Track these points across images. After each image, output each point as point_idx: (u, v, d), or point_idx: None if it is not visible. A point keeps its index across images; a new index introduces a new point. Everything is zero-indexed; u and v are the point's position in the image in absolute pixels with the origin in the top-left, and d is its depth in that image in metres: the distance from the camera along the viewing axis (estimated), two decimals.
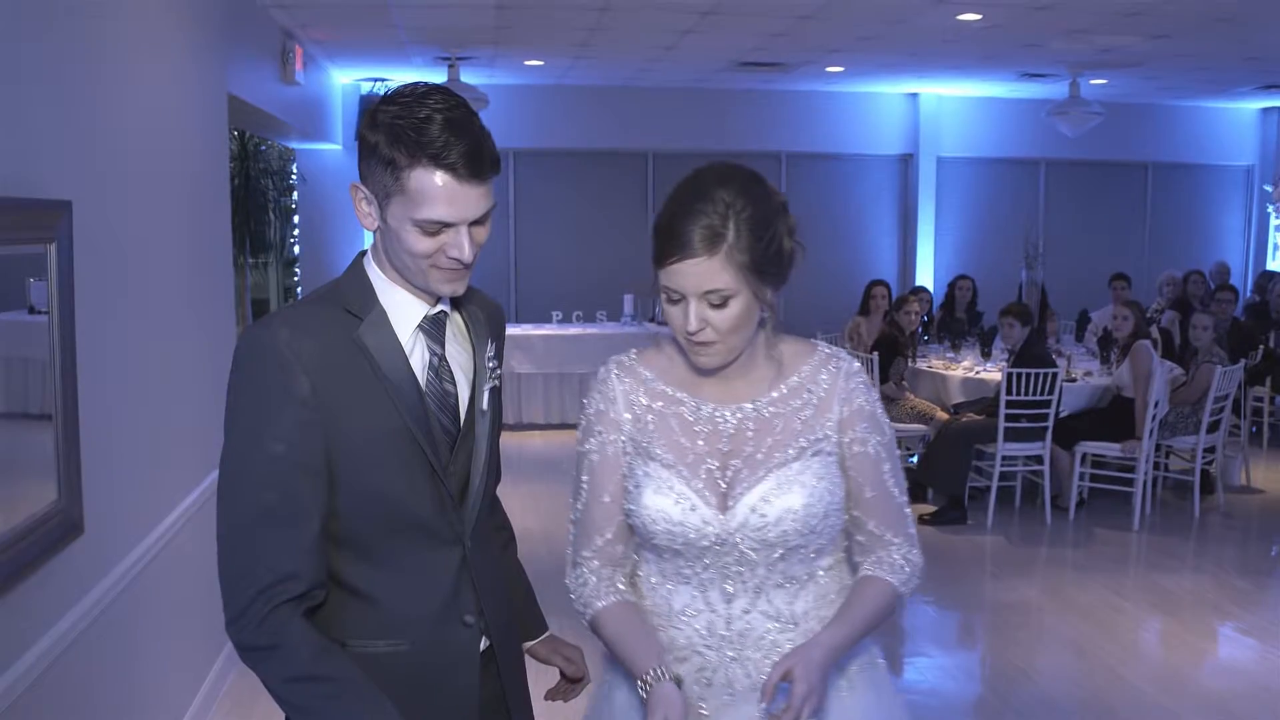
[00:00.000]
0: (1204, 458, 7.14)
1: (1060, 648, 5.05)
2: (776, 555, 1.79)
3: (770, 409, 1.82)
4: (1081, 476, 7.09)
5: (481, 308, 1.87)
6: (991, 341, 7.95)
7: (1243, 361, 7.67)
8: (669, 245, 1.71)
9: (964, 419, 7.06)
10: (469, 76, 9.73)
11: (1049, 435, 6.78)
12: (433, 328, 1.76)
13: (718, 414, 1.83)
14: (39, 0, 2.71)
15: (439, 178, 1.60)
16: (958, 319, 9.09)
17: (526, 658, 2.07)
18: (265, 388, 1.63)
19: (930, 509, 6.91)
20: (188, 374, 4.01)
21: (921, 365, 7.80)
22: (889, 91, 11.58)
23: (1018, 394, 6.63)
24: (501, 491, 2.04)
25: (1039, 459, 6.92)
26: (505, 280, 11.37)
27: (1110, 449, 6.91)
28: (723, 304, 1.71)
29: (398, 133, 1.59)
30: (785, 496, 1.77)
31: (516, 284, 11.51)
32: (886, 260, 11.87)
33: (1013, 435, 6.76)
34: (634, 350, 1.94)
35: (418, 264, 1.66)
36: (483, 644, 1.81)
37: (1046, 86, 10.48)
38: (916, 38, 8.21)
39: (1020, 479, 7.30)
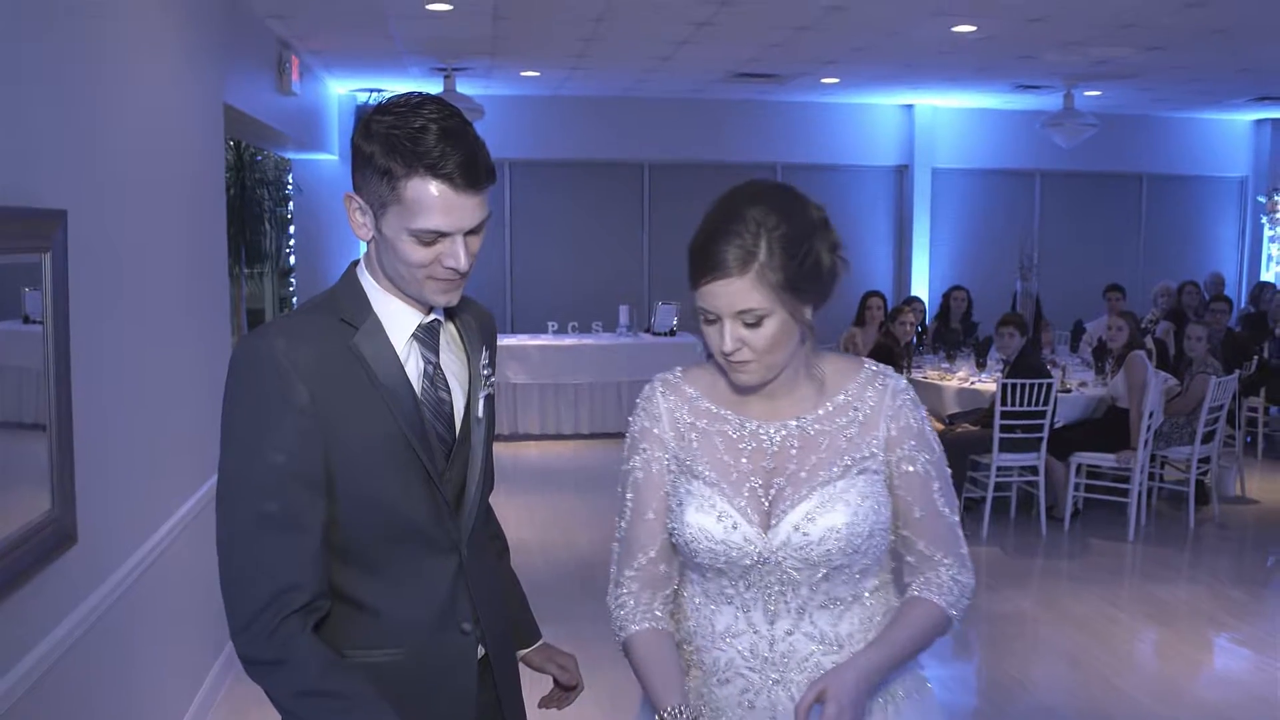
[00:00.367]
0: (1199, 468, 7.15)
1: (1056, 658, 5.05)
2: (820, 575, 1.76)
3: (815, 426, 1.80)
4: (1076, 487, 7.09)
5: (474, 316, 1.88)
6: (986, 352, 7.96)
7: (1237, 372, 7.68)
8: (702, 266, 1.70)
9: (959, 430, 7.07)
10: (465, 87, 9.75)
11: (1044, 446, 6.79)
12: (427, 336, 1.76)
13: (762, 431, 1.81)
14: (36, 7, 2.71)
15: (435, 187, 1.60)
16: (953, 330, 9.10)
17: (521, 666, 2.07)
18: (263, 397, 1.63)
19: None
20: (183, 384, 4.00)
21: (916, 376, 7.80)
22: (884, 103, 11.62)
23: (1013, 405, 6.64)
24: (496, 503, 2.04)
25: (1034, 470, 6.92)
26: (501, 291, 11.38)
27: (1105, 459, 6.91)
28: (757, 323, 1.70)
29: (393, 142, 1.59)
30: (828, 515, 1.75)
31: (512, 294, 11.52)
32: (882, 271, 11.89)
33: (1008, 446, 6.77)
34: (679, 368, 1.92)
35: (413, 274, 1.66)
36: (479, 652, 1.81)
37: (1041, 98, 10.52)
38: (912, 49, 8.24)
39: (1015, 490, 7.31)
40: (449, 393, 1.77)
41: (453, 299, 1.72)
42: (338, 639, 1.68)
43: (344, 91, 10.56)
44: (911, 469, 1.81)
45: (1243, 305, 11.51)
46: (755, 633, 1.80)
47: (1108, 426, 6.97)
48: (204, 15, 4.52)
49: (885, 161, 11.91)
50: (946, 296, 9.72)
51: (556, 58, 8.84)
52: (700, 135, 11.38)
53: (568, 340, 10.09)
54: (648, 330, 10.46)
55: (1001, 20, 7.06)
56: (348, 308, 1.71)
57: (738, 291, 1.68)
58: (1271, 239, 12.38)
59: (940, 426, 7.26)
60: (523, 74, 9.71)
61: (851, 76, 9.76)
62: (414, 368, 1.74)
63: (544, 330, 10.40)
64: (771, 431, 1.81)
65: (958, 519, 1.86)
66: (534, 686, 2.15)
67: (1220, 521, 7.26)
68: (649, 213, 11.66)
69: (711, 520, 1.77)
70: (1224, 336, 8.76)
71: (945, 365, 8.13)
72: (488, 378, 1.84)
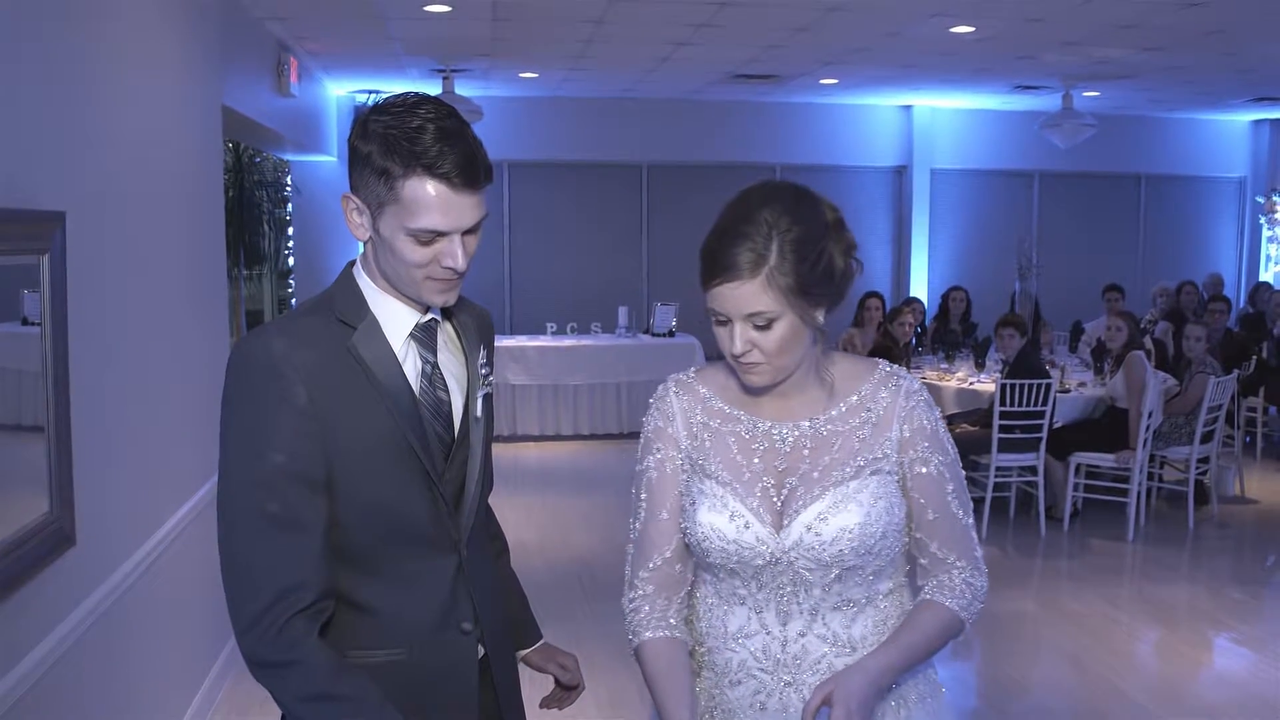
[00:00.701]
0: (1198, 468, 7.15)
1: (1055, 659, 5.05)
2: (833, 576, 1.76)
3: (828, 427, 1.80)
4: (1076, 487, 7.09)
5: (471, 315, 1.87)
6: (985, 352, 7.97)
7: (1236, 372, 7.68)
8: (713, 268, 1.69)
9: (958, 430, 7.07)
10: (464, 89, 9.75)
11: (1043, 446, 6.79)
12: (425, 336, 1.76)
13: (774, 432, 1.81)
14: (33, 10, 2.71)
15: (433, 187, 1.60)
16: (952, 330, 9.10)
17: (521, 666, 2.07)
18: (262, 398, 1.62)
19: None
20: (182, 386, 4.00)
21: (915, 377, 7.79)
22: (883, 104, 11.62)
23: (1012, 405, 6.65)
24: (496, 503, 2.04)
25: (1033, 470, 6.92)
26: (500, 292, 11.38)
27: (1104, 460, 6.91)
28: (767, 325, 1.69)
29: (391, 142, 1.59)
30: (841, 515, 1.74)
31: (511, 295, 11.52)
32: (880, 272, 11.90)
33: (1007, 446, 6.77)
34: (693, 368, 1.92)
35: (411, 274, 1.66)
36: (479, 652, 1.81)
37: (1039, 99, 10.52)
38: (910, 50, 8.24)
39: (1014, 490, 7.31)
40: (447, 392, 1.77)
41: (450, 299, 1.72)
42: (338, 640, 1.68)
43: (342, 93, 10.57)
44: (925, 470, 1.80)
45: (1241, 305, 11.52)
46: (768, 634, 1.79)
47: (1107, 427, 6.97)
48: (202, 17, 4.52)
49: (884, 162, 11.92)
50: (945, 297, 9.73)
51: (555, 59, 8.84)
52: (699, 136, 11.39)
53: (567, 341, 10.09)
54: (646, 331, 10.46)
55: (1000, 21, 7.06)
56: (345, 308, 1.71)
57: (748, 294, 1.67)
58: (1270, 239, 12.39)
59: None
60: (521, 75, 9.71)
61: (850, 77, 9.77)
62: (412, 367, 1.74)
63: (543, 331, 10.40)
64: (784, 432, 1.81)
65: (971, 521, 1.86)
66: (535, 687, 2.15)
67: (1219, 521, 7.26)
68: (648, 214, 11.66)
69: (724, 520, 1.77)
70: (1223, 336, 8.77)
71: (944, 366, 8.13)
72: (486, 377, 1.84)
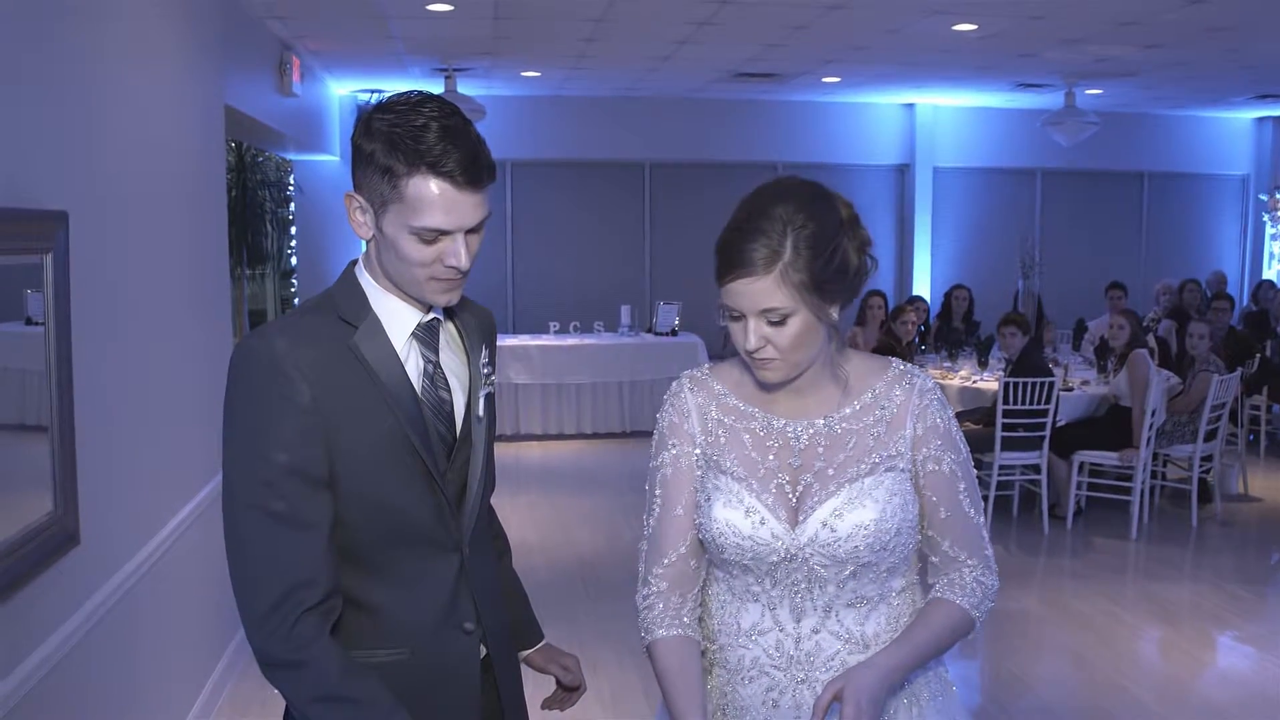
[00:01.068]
0: (1201, 466, 7.15)
1: (1059, 657, 5.05)
2: (847, 572, 1.76)
3: (842, 425, 1.80)
4: (1079, 485, 7.09)
5: (473, 315, 1.88)
6: (988, 351, 7.96)
7: (1239, 370, 7.68)
8: (727, 263, 1.69)
9: (961, 428, 7.06)
10: (466, 88, 9.75)
11: (1046, 444, 6.79)
12: (426, 335, 1.76)
13: (789, 429, 1.81)
14: (35, 10, 2.71)
15: (436, 185, 1.60)
16: (954, 329, 9.10)
17: (523, 666, 2.07)
18: (265, 397, 1.62)
19: None
20: (185, 385, 4.00)
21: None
22: (885, 102, 11.61)
23: (1015, 403, 6.64)
24: (499, 503, 2.04)
25: (1036, 468, 6.92)
26: (502, 291, 11.38)
27: (1108, 458, 6.91)
28: (781, 322, 1.69)
29: (394, 140, 1.59)
30: (856, 512, 1.74)
31: (514, 295, 11.52)
32: (883, 270, 11.88)
33: (1010, 444, 6.77)
34: (707, 364, 1.92)
35: (414, 273, 1.66)
36: (481, 652, 1.81)
37: (1042, 96, 10.51)
38: (912, 48, 8.24)
39: (1018, 488, 7.31)
40: (449, 392, 1.77)
41: (453, 298, 1.72)
42: (341, 640, 1.67)
43: (345, 92, 10.57)
44: (937, 468, 1.81)
45: (1245, 303, 11.51)
46: (781, 630, 1.79)
47: (1110, 425, 6.96)
48: (204, 16, 4.52)
49: (886, 160, 11.91)
50: (948, 295, 9.72)
51: (557, 58, 8.84)
52: (701, 135, 11.39)
53: (569, 340, 10.10)
54: (649, 330, 10.46)
55: (1002, 19, 7.05)
56: (346, 307, 1.71)
57: (761, 290, 1.67)
58: (1273, 237, 12.37)
59: None
60: (523, 74, 9.71)
61: (852, 76, 9.76)
62: (414, 367, 1.74)
63: (545, 330, 10.40)
64: (799, 429, 1.81)
65: (983, 520, 1.86)
66: (536, 687, 2.14)
67: (1223, 519, 7.25)
68: (650, 212, 11.66)
69: (739, 515, 1.77)
70: (1226, 334, 8.75)
71: (947, 364, 8.13)
72: (488, 376, 1.84)
